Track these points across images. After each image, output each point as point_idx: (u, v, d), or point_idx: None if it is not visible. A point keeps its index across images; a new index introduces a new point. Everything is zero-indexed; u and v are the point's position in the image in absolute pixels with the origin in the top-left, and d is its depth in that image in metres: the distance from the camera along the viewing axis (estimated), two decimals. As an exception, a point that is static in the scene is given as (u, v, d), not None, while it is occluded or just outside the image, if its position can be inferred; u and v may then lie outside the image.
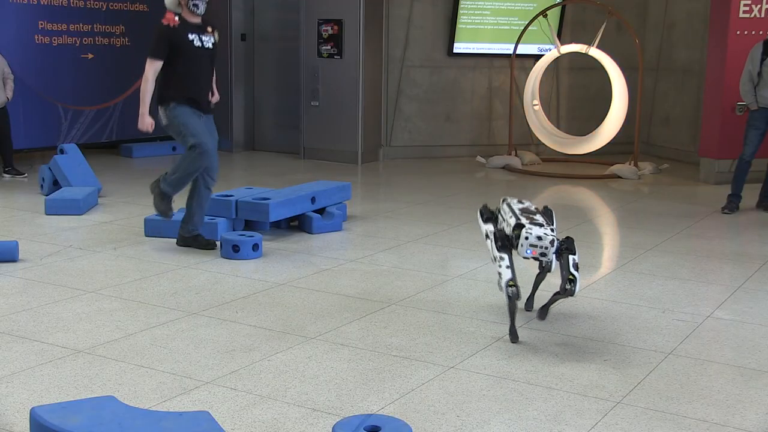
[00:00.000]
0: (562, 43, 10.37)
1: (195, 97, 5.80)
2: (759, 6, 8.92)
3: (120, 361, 3.94)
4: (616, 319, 4.64)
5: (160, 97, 5.76)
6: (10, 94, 8.92)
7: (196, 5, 5.73)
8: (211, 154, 5.81)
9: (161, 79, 5.74)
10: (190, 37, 5.74)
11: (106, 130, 10.70)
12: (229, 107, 11.34)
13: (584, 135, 10.58)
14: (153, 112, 5.81)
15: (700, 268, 5.85)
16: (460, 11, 10.78)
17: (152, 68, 5.65)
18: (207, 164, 5.82)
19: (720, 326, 4.59)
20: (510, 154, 10.46)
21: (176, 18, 5.71)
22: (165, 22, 5.70)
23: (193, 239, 6.03)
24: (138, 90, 5.85)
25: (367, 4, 10.25)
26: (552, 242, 4.14)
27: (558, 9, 10.96)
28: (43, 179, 8.02)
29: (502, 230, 4.37)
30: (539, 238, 4.12)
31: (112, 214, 7.24)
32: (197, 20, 5.82)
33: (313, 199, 6.71)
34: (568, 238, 4.28)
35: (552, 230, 4.23)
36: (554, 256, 4.21)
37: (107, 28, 10.54)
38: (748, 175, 7.81)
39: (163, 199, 5.93)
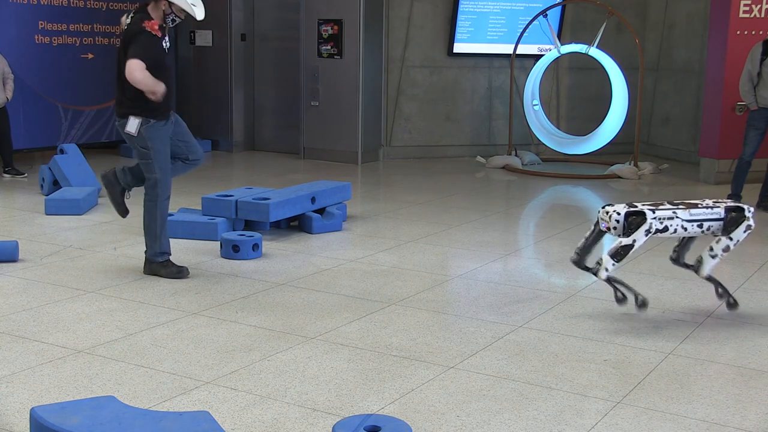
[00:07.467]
0: (562, 43, 10.37)
1: (170, 104, 5.26)
2: (759, 6, 8.91)
3: (120, 361, 3.94)
4: (616, 319, 4.64)
5: (141, 109, 5.11)
6: (9, 94, 8.92)
7: (174, 21, 5.19)
8: (170, 184, 5.39)
9: (139, 91, 5.06)
10: (164, 43, 5.20)
11: (106, 130, 10.69)
12: (229, 107, 11.34)
13: (584, 135, 10.58)
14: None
15: (700, 268, 5.84)
16: (460, 11, 10.78)
17: (142, 67, 4.97)
18: (167, 193, 5.35)
19: (720, 326, 4.59)
20: (510, 154, 10.46)
21: (157, 27, 5.11)
22: (149, 29, 5.08)
23: (161, 266, 5.38)
24: None
25: (367, 4, 10.25)
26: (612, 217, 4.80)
27: (558, 9, 10.96)
28: (43, 179, 8.02)
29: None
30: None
31: (112, 214, 7.17)
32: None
33: (313, 199, 6.71)
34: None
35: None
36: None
37: (107, 28, 10.53)
38: (748, 175, 7.81)
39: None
